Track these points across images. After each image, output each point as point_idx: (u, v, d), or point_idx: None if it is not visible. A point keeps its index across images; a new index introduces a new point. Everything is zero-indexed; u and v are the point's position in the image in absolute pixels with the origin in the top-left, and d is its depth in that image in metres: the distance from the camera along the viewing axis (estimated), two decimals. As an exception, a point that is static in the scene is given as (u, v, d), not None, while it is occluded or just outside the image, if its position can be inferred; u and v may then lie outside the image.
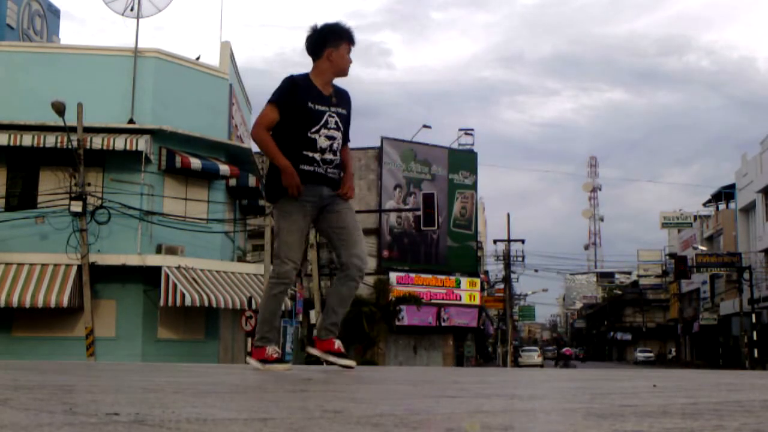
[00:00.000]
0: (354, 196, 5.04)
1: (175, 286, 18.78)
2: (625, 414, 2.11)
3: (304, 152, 4.63)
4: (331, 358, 4.79)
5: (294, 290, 25.77)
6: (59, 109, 17.49)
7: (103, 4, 21.05)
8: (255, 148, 23.09)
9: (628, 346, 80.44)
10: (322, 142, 4.67)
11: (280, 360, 4.77)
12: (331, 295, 4.89)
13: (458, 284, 41.34)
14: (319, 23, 4.82)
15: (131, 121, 19.70)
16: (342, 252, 4.81)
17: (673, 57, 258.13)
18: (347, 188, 4.88)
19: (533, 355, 54.73)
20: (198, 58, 21.79)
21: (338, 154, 4.78)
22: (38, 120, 18.87)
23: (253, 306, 20.33)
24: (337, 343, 4.80)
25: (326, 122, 4.69)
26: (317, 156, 4.66)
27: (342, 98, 4.87)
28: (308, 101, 4.65)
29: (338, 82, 4.92)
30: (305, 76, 4.76)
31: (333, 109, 4.74)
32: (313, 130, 4.65)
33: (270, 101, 4.67)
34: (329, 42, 4.71)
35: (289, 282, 4.76)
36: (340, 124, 4.77)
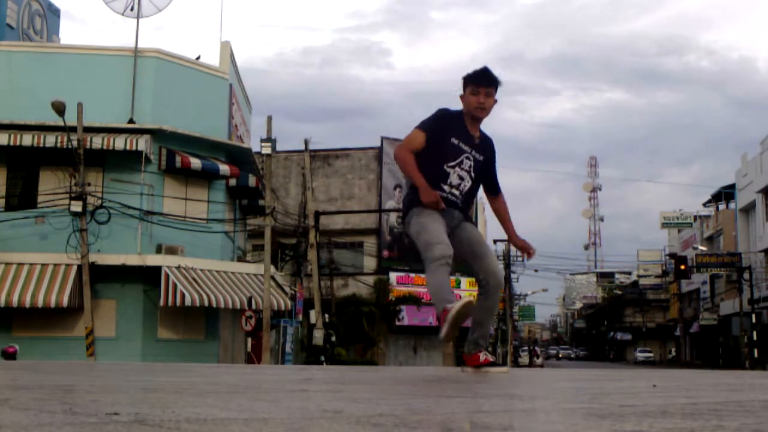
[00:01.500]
0: (535, 254, 5.19)
1: (175, 286, 18.78)
2: (625, 414, 2.11)
3: (438, 182, 4.77)
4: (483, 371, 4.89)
5: (294, 290, 25.78)
6: (59, 109, 17.49)
7: (103, 4, 21.09)
8: (255, 147, 23.13)
9: (628, 346, 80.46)
10: (454, 179, 4.82)
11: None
12: (477, 310, 4.92)
13: (458, 284, 41.18)
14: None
15: (131, 121, 19.70)
16: (477, 268, 4.92)
17: (673, 57, 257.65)
18: (528, 248, 5.10)
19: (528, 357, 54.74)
20: (198, 58, 21.79)
21: (465, 197, 4.90)
22: (38, 120, 18.87)
23: (253, 306, 20.31)
24: (483, 356, 4.89)
25: (462, 162, 4.84)
26: (446, 188, 4.80)
27: (486, 145, 4.99)
28: (452, 135, 4.81)
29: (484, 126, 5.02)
30: (459, 112, 4.92)
31: (473, 152, 4.88)
32: (450, 164, 4.80)
33: (418, 126, 4.83)
34: (463, 86, 4.89)
35: (449, 259, 4.68)
36: (472, 171, 4.88)
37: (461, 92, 4.88)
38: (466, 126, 4.86)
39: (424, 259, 4.70)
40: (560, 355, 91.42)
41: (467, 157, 4.84)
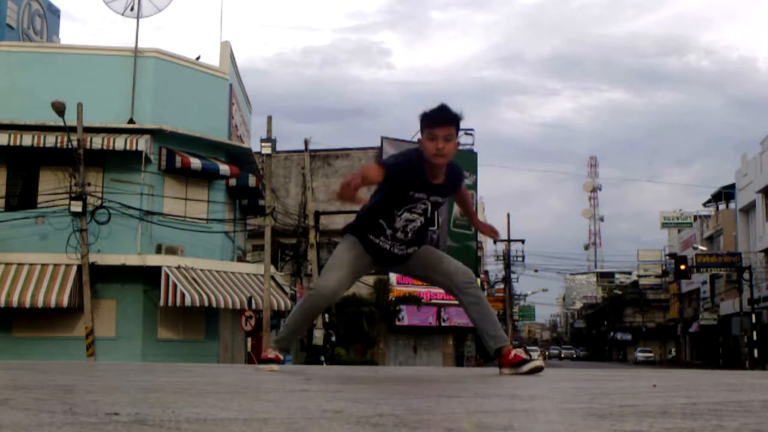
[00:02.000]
0: (499, 236, 5.04)
1: (175, 286, 18.79)
2: (625, 414, 2.11)
3: (380, 221, 4.48)
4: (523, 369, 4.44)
5: (294, 290, 25.79)
6: (59, 109, 17.49)
7: (103, 4, 21.10)
8: (255, 147, 23.14)
9: (628, 346, 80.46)
10: (399, 222, 4.47)
11: (271, 360, 4.78)
12: (469, 314, 4.57)
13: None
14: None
15: (131, 121, 19.70)
16: (439, 279, 4.62)
17: (673, 57, 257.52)
18: (493, 231, 4.94)
19: (533, 356, 54.81)
20: (198, 58, 21.80)
21: (413, 235, 4.55)
22: (38, 120, 18.87)
23: (253, 306, 20.35)
24: (514, 352, 4.46)
25: (415, 206, 4.46)
26: (388, 231, 4.49)
27: (450, 183, 4.54)
28: (411, 189, 4.39)
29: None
30: (422, 159, 4.39)
31: (431, 197, 4.46)
32: (400, 210, 4.46)
33: (379, 162, 4.45)
34: (420, 128, 4.40)
35: (322, 300, 4.62)
36: (428, 211, 4.52)
37: (419, 135, 4.39)
38: (428, 176, 4.38)
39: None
40: (562, 355, 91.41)
41: (423, 203, 4.46)
